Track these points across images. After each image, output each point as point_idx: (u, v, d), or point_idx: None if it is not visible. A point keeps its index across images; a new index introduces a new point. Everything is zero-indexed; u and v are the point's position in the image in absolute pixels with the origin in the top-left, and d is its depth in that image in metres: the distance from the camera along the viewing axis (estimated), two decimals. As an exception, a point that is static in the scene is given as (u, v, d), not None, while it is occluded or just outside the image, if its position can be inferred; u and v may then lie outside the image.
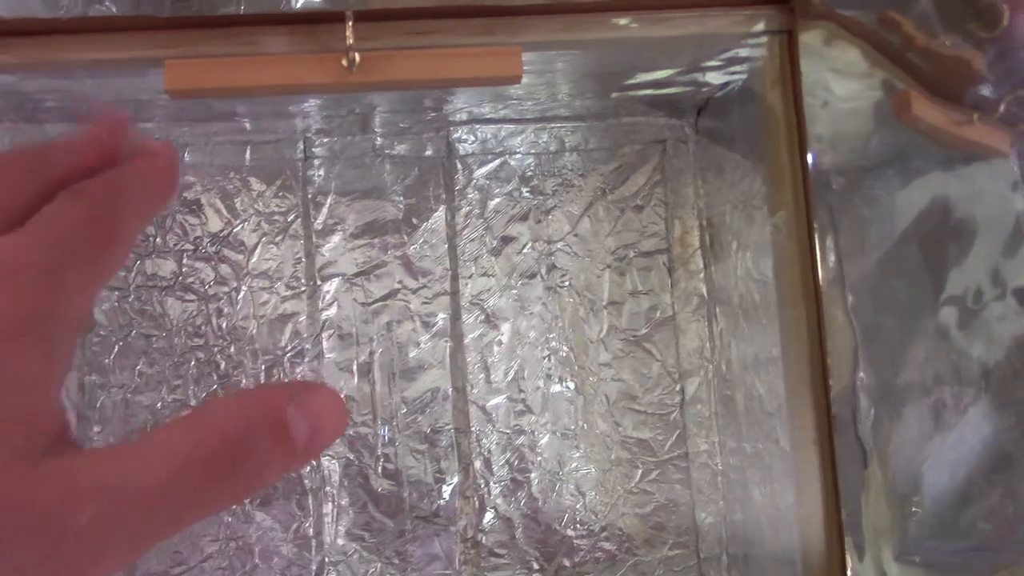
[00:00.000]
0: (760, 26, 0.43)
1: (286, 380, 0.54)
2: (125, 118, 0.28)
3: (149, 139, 0.30)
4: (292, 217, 0.55)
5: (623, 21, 0.42)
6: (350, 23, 0.37)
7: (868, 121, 0.46)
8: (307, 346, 0.54)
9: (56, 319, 0.22)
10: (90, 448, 0.21)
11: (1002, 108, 0.47)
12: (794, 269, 0.45)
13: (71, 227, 0.23)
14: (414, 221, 0.55)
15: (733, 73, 0.50)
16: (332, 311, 0.54)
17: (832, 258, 0.44)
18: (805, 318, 0.44)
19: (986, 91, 0.47)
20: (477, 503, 0.54)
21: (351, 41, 0.38)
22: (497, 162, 0.56)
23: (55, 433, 0.21)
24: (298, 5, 0.41)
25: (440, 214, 0.55)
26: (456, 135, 0.56)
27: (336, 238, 0.55)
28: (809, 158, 0.44)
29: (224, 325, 0.54)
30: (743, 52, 0.47)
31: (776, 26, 0.43)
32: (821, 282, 0.44)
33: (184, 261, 0.54)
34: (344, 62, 0.39)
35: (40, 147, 0.26)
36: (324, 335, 0.54)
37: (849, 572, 0.42)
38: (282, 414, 0.22)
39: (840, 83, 0.46)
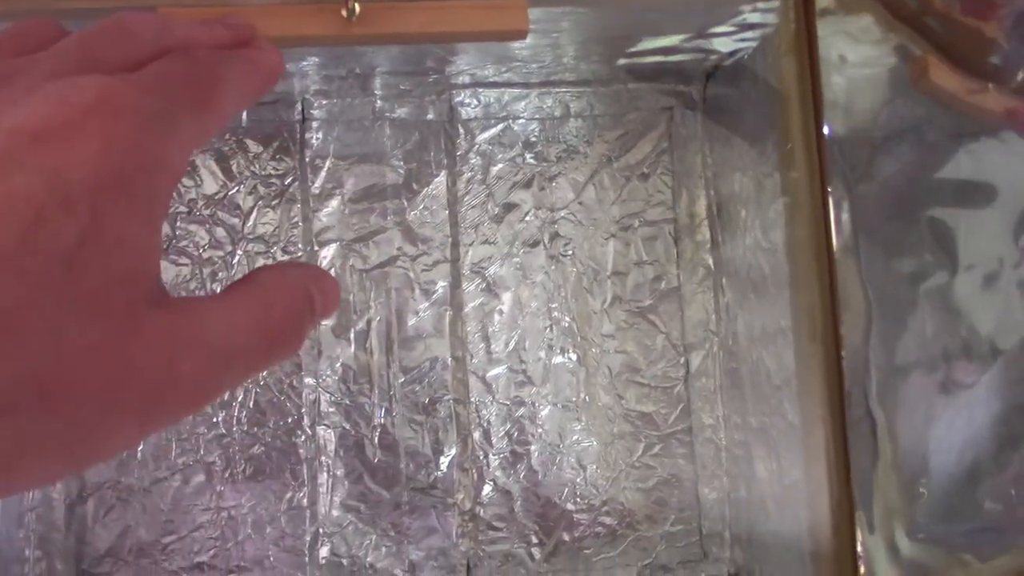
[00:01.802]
0: (775, -11, 0.42)
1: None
2: (247, 24, 0.33)
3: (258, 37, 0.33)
4: (289, 180, 0.53)
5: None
6: (349, -30, 0.36)
7: (884, 88, 0.44)
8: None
9: (158, 165, 0.22)
10: (183, 299, 0.23)
11: (1020, 77, 0.46)
12: (807, 240, 0.44)
13: (178, 79, 0.25)
14: (414, 186, 0.54)
15: (743, 40, 0.48)
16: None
17: (847, 228, 0.43)
18: (818, 289, 0.43)
19: (1002, 60, 0.46)
20: (476, 475, 0.53)
21: (351, -6, 0.36)
22: (500, 127, 0.55)
23: (156, 283, 0.22)
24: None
25: (441, 179, 0.54)
26: (458, 99, 0.54)
27: (334, 203, 0.53)
28: (825, 128, 0.43)
29: (218, 289, 0.52)
30: (754, 18, 0.45)
31: (791, -11, 0.42)
32: (836, 252, 0.43)
33: (178, 224, 0.52)
34: (344, 12, 0.38)
35: (163, 16, 0.28)
36: (321, 302, 0.53)
37: (860, 549, 0.41)
38: (312, 290, 0.26)
39: (855, 49, 0.44)
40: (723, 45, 0.49)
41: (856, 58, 0.44)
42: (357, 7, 0.37)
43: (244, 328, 0.24)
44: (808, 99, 0.44)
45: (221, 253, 0.52)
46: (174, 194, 0.53)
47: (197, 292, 0.52)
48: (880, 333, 0.43)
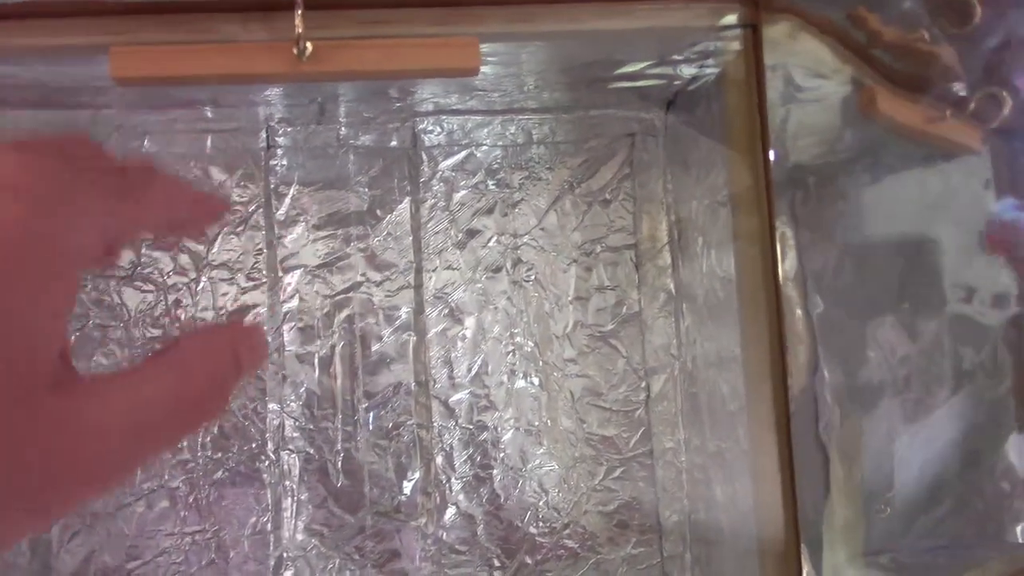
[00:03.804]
0: (723, 20, 0.43)
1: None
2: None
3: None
4: (253, 207, 0.54)
5: (583, 13, 0.41)
6: (299, 11, 0.36)
7: (835, 117, 0.45)
8: (269, 338, 0.53)
9: (66, 248, 0.21)
10: (91, 379, 0.22)
11: (972, 105, 0.47)
12: (755, 267, 0.44)
13: (101, 185, 0.23)
14: (378, 213, 0.55)
15: (704, 66, 0.49)
16: (293, 303, 0.54)
17: (793, 256, 0.44)
18: (765, 317, 0.43)
19: (957, 87, 0.46)
20: (438, 499, 0.53)
21: (300, 29, 0.37)
22: (463, 154, 0.55)
23: (56, 368, 0.21)
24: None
25: (404, 206, 0.55)
26: (422, 126, 0.55)
27: (298, 229, 0.54)
28: (771, 155, 0.44)
29: (183, 316, 0.53)
30: (713, 45, 0.46)
31: (740, 20, 0.43)
32: (781, 281, 0.43)
33: (143, 251, 0.53)
34: (295, 51, 0.38)
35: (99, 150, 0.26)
36: (285, 327, 0.53)
37: (804, 574, 0.41)
38: (239, 347, 0.26)
39: (806, 79, 0.45)
40: (684, 71, 0.50)
41: (809, 87, 0.45)
42: (309, 46, 0.38)
43: (158, 402, 0.23)
44: (756, 126, 0.45)
45: (185, 280, 0.53)
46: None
47: (161, 319, 0.52)
48: (832, 358, 0.44)
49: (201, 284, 0.53)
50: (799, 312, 0.43)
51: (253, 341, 0.27)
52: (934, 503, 0.45)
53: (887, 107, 0.45)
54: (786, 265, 0.43)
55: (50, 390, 0.20)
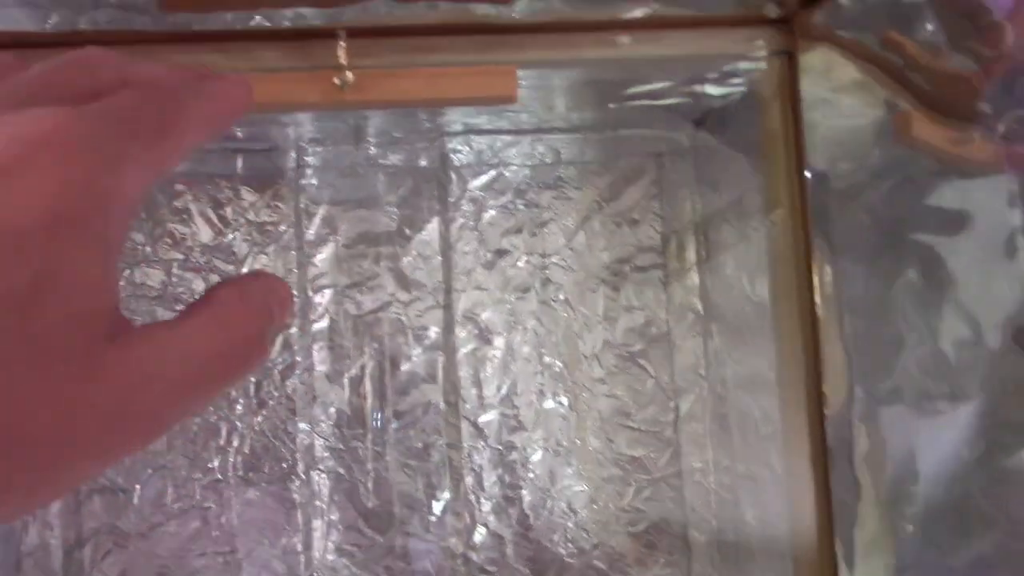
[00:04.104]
0: (760, 47, 0.43)
1: (274, 390, 0.53)
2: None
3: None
4: (284, 227, 0.54)
5: (621, 40, 0.42)
6: (342, 42, 0.36)
7: (868, 139, 0.45)
8: (298, 358, 0.53)
9: (113, 201, 0.22)
10: (142, 330, 0.22)
11: (1002, 127, 0.47)
12: (790, 290, 0.44)
13: (136, 108, 0.24)
14: (407, 232, 0.55)
15: (732, 85, 0.49)
16: (324, 323, 0.54)
17: (829, 279, 0.44)
18: (801, 342, 0.43)
19: (988, 109, 0.46)
20: (468, 519, 0.53)
21: (344, 60, 0.37)
22: (492, 174, 0.56)
23: (114, 318, 0.22)
24: (290, 18, 0.40)
25: (434, 226, 0.55)
26: (451, 146, 0.55)
27: (328, 249, 0.54)
28: (807, 175, 0.44)
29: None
30: (743, 65, 0.46)
31: (776, 47, 0.43)
32: (818, 305, 0.44)
33: (173, 271, 0.53)
34: (336, 80, 0.38)
35: (125, 57, 0.27)
36: (315, 347, 0.54)
37: (842, 603, 0.41)
38: (270, 301, 0.26)
39: (840, 102, 0.45)
40: (713, 90, 0.50)
41: (842, 111, 0.45)
42: (350, 76, 0.38)
43: (204, 352, 0.24)
44: (792, 149, 0.45)
45: (217, 300, 0.53)
46: (171, 240, 0.53)
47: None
48: (864, 380, 0.44)
49: (232, 304, 0.53)
50: (835, 336, 0.43)
51: (282, 294, 0.28)
52: (961, 521, 0.45)
53: (921, 130, 0.45)
54: (823, 288, 0.43)
55: (108, 340, 0.21)
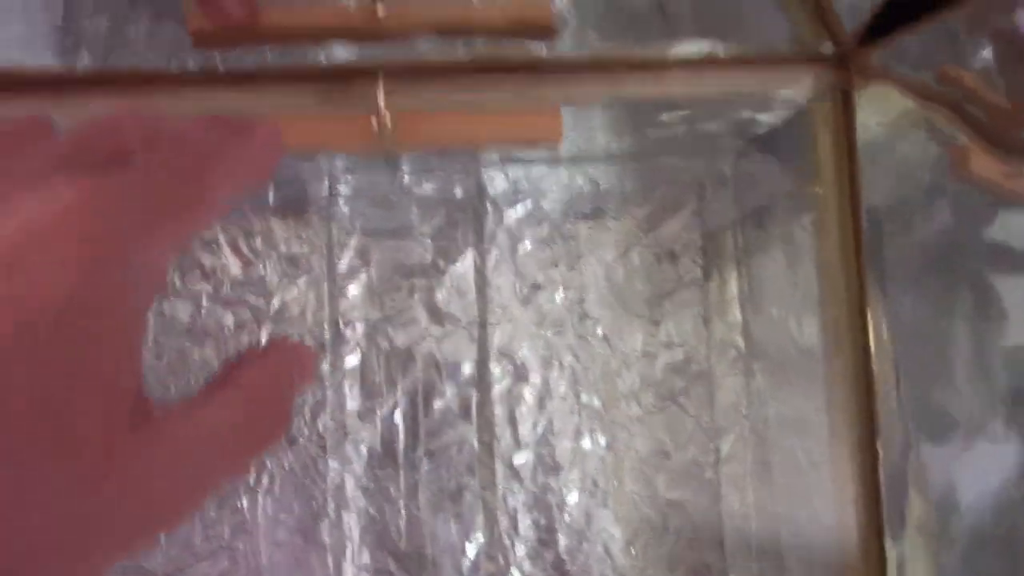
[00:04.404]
0: (813, 85, 0.41)
1: (305, 428, 0.52)
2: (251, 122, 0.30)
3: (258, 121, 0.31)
4: (315, 259, 0.53)
5: (668, 78, 0.40)
6: (381, 88, 0.35)
7: (924, 173, 0.43)
8: (329, 394, 0.52)
9: (138, 277, 0.21)
10: (163, 412, 0.22)
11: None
12: (841, 331, 0.43)
13: (164, 171, 0.23)
14: (441, 264, 0.53)
15: (779, 116, 0.47)
16: (355, 358, 0.52)
17: (883, 319, 0.42)
18: (853, 385, 0.42)
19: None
20: (502, 563, 0.52)
21: (383, 104, 0.35)
22: (529, 204, 0.54)
23: (135, 403, 0.21)
24: (326, 56, 0.38)
25: (468, 258, 0.53)
26: (486, 175, 0.53)
27: (360, 281, 0.53)
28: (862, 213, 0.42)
29: (243, 372, 0.52)
30: (787, 95, 0.44)
31: (830, 85, 0.41)
32: (872, 347, 0.42)
33: (203, 304, 0.52)
34: (374, 123, 0.37)
35: (155, 114, 0.26)
36: (346, 383, 0.52)
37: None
38: (291, 366, 0.26)
39: (895, 137, 0.43)
40: (758, 119, 0.48)
41: (898, 147, 0.43)
42: (389, 119, 0.37)
43: (227, 433, 0.23)
44: (845, 189, 0.43)
45: (247, 334, 0.52)
46: (200, 272, 0.52)
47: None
48: (920, 422, 0.42)
49: (263, 338, 0.52)
50: (889, 377, 0.41)
51: (304, 359, 0.27)
52: (1007, 554, 0.43)
53: (977, 165, 0.44)
54: (876, 329, 0.41)
55: (129, 430, 0.20)
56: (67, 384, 0.19)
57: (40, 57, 0.38)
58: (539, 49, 0.39)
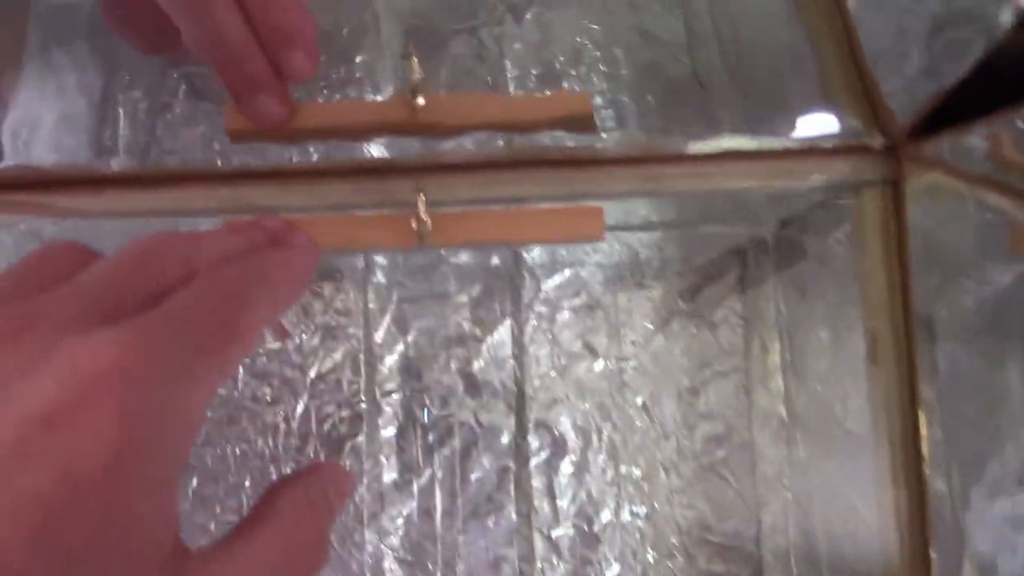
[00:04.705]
0: (862, 177, 0.40)
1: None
2: (280, 222, 0.32)
3: (294, 231, 0.32)
4: (352, 330, 0.52)
5: (714, 172, 0.39)
6: (422, 199, 0.34)
7: (979, 256, 0.42)
8: (366, 466, 0.52)
9: (177, 430, 0.21)
10: (200, 556, 0.22)
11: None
12: (892, 414, 0.42)
13: (202, 317, 0.23)
14: (478, 334, 0.53)
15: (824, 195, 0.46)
16: (391, 430, 0.52)
17: (937, 416, 0.41)
18: (902, 464, 0.41)
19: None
20: (541, 639, 0.51)
21: (423, 212, 0.35)
22: (567, 274, 0.53)
23: (173, 551, 0.21)
24: (367, 155, 0.38)
25: (506, 328, 0.53)
26: (519, 246, 0.53)
27: (397, 351, 0.52)
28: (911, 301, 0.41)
29: (281, 443, 0.51)
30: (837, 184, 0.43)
31: (879, 177, 0.40)
32: (924, 443, 0.41)
33: (239, 378, 0.51)
34: (413, 224, 0.36)
35: (191, 235, 0.27)
36: (383, 455, 0.52)
37: None
38: (330, 495, 0.27)
39: (947, 221, 0.42)
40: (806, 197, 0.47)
41: (946, 228, 0.42)
42: (428, 221, 0.36)
43: (266, 569, 0.23)
44: (895, 273, 0.42)
45: (283, 407, 0.51)
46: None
47: (259, 446, 0.51)
48: (975, 517, 0.41)
49: (299, 410, 0.52)
50: (941, 473, 0.40)
51: (341, 484, 0.27)
52: None
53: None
54: (931, 428, 0.40)
55: (169, 566, 0.20)
56: (105, 538, 0.19)
57: (80, 156, 0.38)
58: (579, 143, 0.38)
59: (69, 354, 0.20)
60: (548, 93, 0.38)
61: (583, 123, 0.38)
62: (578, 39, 0.49)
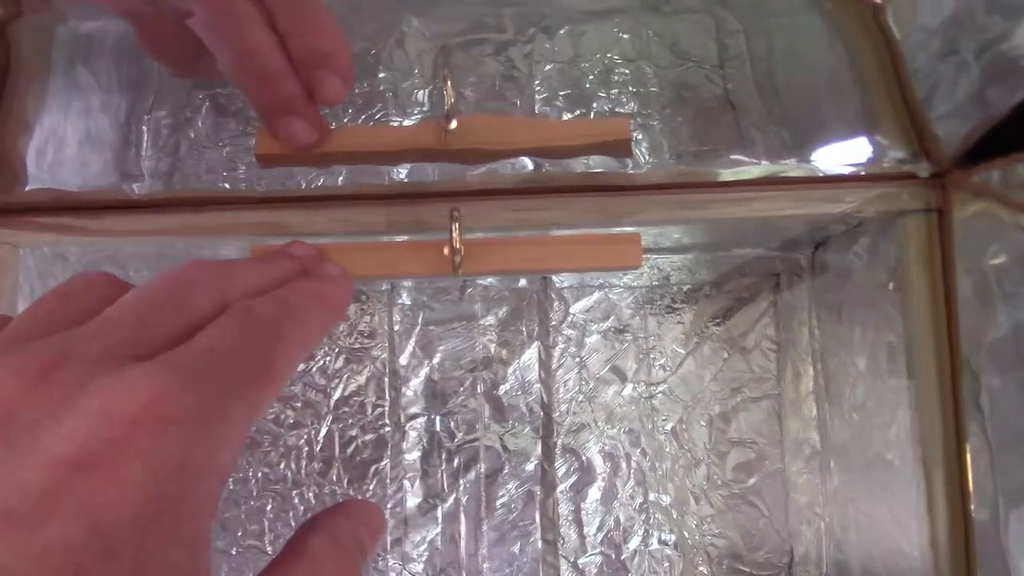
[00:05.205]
0: (906, 205, 0.39)
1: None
2: (311, 250, 0.31)
3: (325, 261, 0.31)
4: (376, 352, 0.51)
5: (752, 199, 0.38)
6: (458, 226, 0.33)
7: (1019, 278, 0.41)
8: (390, 490, 0.51)
9: (208, 472, 0.20)
10: None
11: None
12: (935, 444, 0.40)
13: (234, 353, 0.22)
14: (505, 357, 0.52)
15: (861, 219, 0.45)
16: (416, 454, 0.51)
17: (980, 449, 0.40)
18: (947, 498, 0.39)
19: None
20: (567, 670, 0.50)
21: (458, 244, 0.34)
22: (596, 296, 0.52)
23: None
24: (397, 179, 0.37)
25: (533, 351, 0.52)
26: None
27: (422, 374, 0.52)
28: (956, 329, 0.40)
29: (304, 467, 0.51)
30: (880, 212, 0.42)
31: (924, 205, 0.39)
32: (969, 463, 0.40)
33: (263, 399, 0.51)
34: (446, 251, 0.35)
35: (222, 265, 0.26)
36: (406, 479, 0.51)
37: None
38: (361, 535, 0.26)
39: (992, 248, 0.41)
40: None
41: (995, 258, 0.41)
42: (462, 251, 0.35)
43: None
44: (940, 305, 0.41)
45: (306, 429, 0.51)
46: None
47: (282, 470, 0.50)
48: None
49: (322, 433, 0.51)
50: (988, 499, 0.39)
51: (372, 522, 0.26)
52: None
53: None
54: (976, 453, 0.39)
55: None
56: None
57: (107, 182, 0.37)
58: (609, 169, 0.38)
59: (100, 395, 0.19)
60: (583, 117, 0.37)
61: (621, 149, 0.37)
62: (608, 56, 0.48)
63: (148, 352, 0.21)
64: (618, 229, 0.37)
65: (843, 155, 0.39)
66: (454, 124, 0.35)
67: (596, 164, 0.37)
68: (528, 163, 0.38)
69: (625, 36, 0.49)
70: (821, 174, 0.38)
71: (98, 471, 0.18)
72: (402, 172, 0.39)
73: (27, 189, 0.37)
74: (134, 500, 0.18)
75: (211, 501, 0.21)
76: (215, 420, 0.21)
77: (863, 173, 0.38)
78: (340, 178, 0.38)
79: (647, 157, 0.38)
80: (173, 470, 0.19)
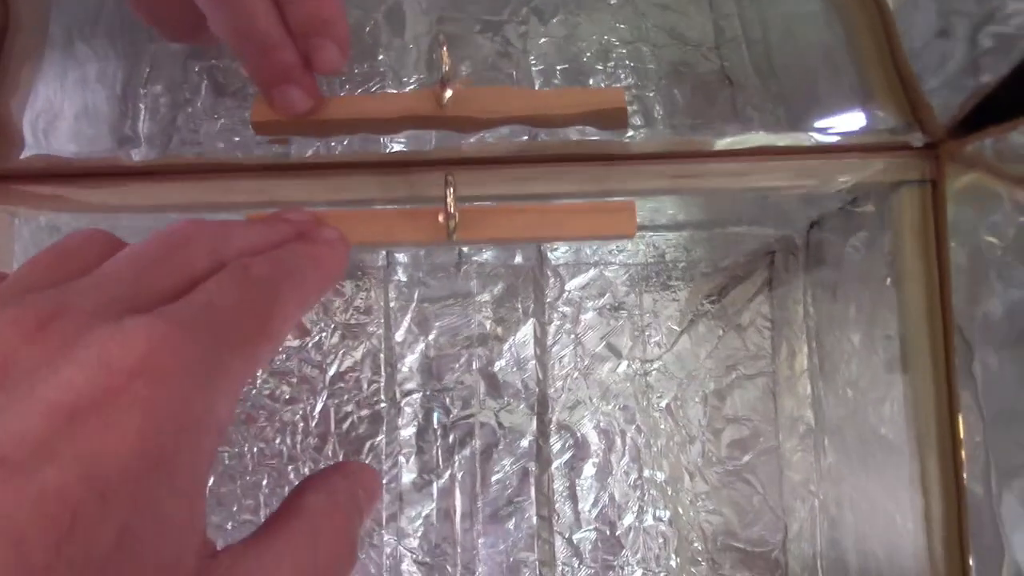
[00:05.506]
0: (899, 176, 0.39)
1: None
2: (307, 215, 0.31)
3: (322, 225, 0.31)
4: (372, 328, 0.51)
5: (751, 170, 0.38)
6: (452, 191, 0.33)
7: (1017, 259, 0.41)
8: (385, 466, 0.51)
9: (205, 424, 0.20)
10: (225, 557, 0.22)
11: None
12: (929, 419, 0.41)
13: (230, 309, 0.22)
14: (500, 334, 0.52)
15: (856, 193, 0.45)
16: (411, 430, 0.51)
17: (973, 424, 0.40)
18: (940, 471, 0.40)
19: None
20: (561, 645, 0.51)
21: (451, 205, 0.34)
22: (591, 273, 0.52)
23: (200, 551, 0.21)
24: (392, 149, 0.37)
25: (528, 328, 0.52)
26: (548, 243, 0.52)
27: (417, 351, 0.52)
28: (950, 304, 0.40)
29: (299, 443, 0.51)
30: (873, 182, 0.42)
31: (918, 176, 0.39)
32: (962, 448, 0.40)
33: (258, 375, 0.51)
34: (441, 218, 0.35)
35: (219, 225, 0.26)
36: (402, 455, 0.51)
37: None
38: (357, 494, 0.26)
39: (986, 221, 0.41)
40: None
41: (986, 228, 0.41)
42: (457, 216, 0.35)
43: (294, 571, 0.22)
44: (934, 281, 0.41)
45: (302, 405, 0.51)
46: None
47: (277, 445, 0.50)
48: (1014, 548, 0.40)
49: (318, 409, 0.51)
50: (981, 474, 0.39)
51: (369, 483, 0.26)
52: None
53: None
54: (969, 437, 0.39)
55: (194, 574, 0.20)
56: (132, 539, 0.18)
57: (105, 150, 0.37)
58: (605, 139, 0.38)
59: (98, 345, 0.19)
60: (579, 88, 0.37)
61: (616, 118, 0.37)
62: (605, 37, 0.48)
63: (145, 306, 0.22)
64: (613, 199, 0.37)
65: (836, 126, 0.39)
66: (449, 92, 0.35)
67: (590, 134, 0.38)
68: (520, 132, 0.38)
69: (622, 21, 0.49)
70: (815, 145, 0.38)
71: (95, 419, 0.18)
72: (398, 144, 0.39)
73: (24, 156, 0.37)
74: (131, 449, 0.18)
75: (208, 454, 0.21)
76: (213, 373, 0.21)
77: (857, 144, 0.38)
78: (337, 148, 0.38)
79: (642, 126, 0.39)
80: (170, 421, 0.19)
